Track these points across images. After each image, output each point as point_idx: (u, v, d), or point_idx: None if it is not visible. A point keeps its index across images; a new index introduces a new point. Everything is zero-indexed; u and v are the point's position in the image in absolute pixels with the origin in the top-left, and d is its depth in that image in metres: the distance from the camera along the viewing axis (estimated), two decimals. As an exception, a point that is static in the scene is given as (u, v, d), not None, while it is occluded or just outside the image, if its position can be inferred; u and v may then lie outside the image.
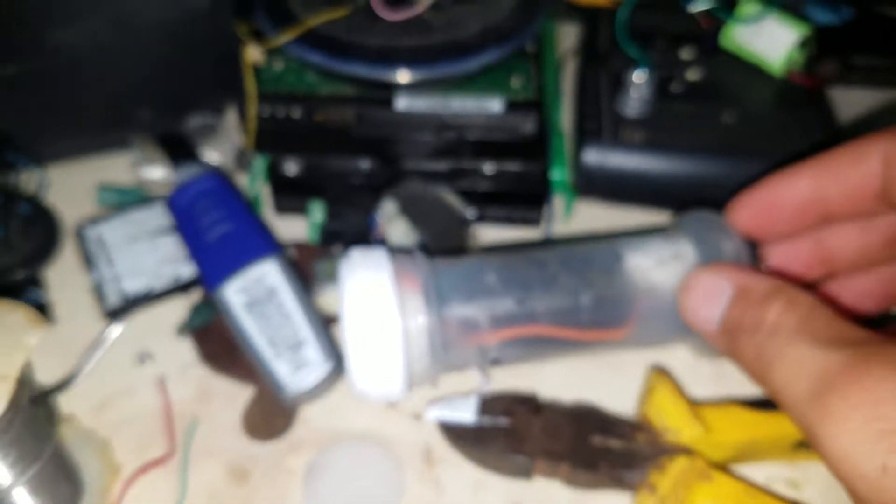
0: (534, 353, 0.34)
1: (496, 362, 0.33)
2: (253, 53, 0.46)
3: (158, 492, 0.38)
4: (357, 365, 0.31)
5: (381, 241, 0.46)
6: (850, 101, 0.56)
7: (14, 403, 0.31)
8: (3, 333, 0.32)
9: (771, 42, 0.51)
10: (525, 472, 0.36)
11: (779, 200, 0.31)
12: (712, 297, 0.28)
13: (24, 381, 0.32)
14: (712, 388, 0.41)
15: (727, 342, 0.27)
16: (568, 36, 0.60)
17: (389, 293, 0.31)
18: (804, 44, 0.50)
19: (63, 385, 0.41)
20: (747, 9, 0.51)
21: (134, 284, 0.45)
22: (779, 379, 0.24)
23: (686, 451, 0.35)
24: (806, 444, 0.36)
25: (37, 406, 0.35)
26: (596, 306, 0.31)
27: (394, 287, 0.31)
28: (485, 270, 0.33)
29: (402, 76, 0.44)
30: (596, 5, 0.59)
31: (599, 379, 0.40)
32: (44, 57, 0.47)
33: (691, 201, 0.50)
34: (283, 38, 0.44)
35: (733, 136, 0.48)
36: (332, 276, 0.45)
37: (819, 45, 0.53)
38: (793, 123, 0.49)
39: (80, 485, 0.37)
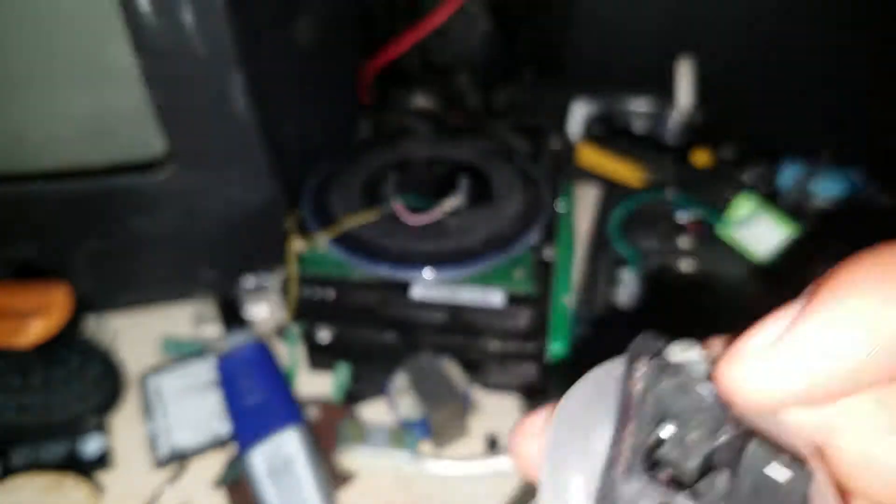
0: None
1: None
2: (297, 244, 0.54)
3: None
4: None
5: (394, 410, 0.53)
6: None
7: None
8: (68, 505, 0.41)
9: (760, 238, 0.56)
10: None
11: None
12: None
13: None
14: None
15: None
16: (590, 199, 0.66)
17: None
18: (793, 240, 0.55)
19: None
20: (740, 207, 0.56)
21: (182, 438, 0.53)
22: None
23: None
24: None
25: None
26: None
27: None
28: None
29: (417, 277, 0.52)
30: (611, 180, 0.65)
31: None
32: (126, 236, 0.57)
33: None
34: (321, 238, 0.52)
35: (709, 321, 0.53)
36: (354, 437, 0.52)
37: (813, 235, 0.58)
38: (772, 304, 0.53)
39: None
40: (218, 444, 0.53)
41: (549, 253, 0.55)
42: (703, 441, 0.18)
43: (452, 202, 0.54)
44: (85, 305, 0.58)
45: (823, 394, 0.18)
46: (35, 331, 0.50)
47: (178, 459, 0.52)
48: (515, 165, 0.60)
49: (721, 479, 0.18)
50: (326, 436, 0.53)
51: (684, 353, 0.19)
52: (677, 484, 0.18)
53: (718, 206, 0.58)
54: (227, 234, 0.57)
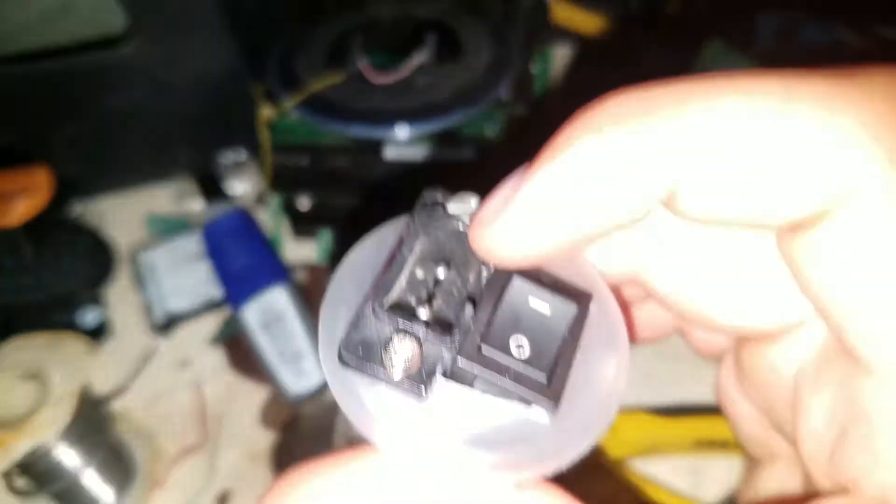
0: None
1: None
2: (266, 113, 0.55)
3: (195, 472, 0.49)
4: None
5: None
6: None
7: (77, 413, 0.42)
8: (66, 360, 0.43)
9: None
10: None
11: None
12: None
13: (84, 396, 0.43)
14: (632, 397, 0.49)
15: None
16: (560, 58, 0.67)
17: None
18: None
19: (118, 392, 0.52)
20: (709, 53, 0.58)
21: (177, 303, 0.56)
22: None
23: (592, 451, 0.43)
24: (704, 443, 0.45)
25: (97, 410, 0.46)
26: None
27: None
28: None
29: (389, 137, 0.53)
30: (581, 34, 0.66)
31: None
32: (100, 116, 0.58)
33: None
34: (289, 103, 0.54)
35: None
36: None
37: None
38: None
39: (133, 468, 0.48)
40: (211, 307, 0.56)
41: (520, 109, 0.56)
42: (472, 282, 0.20)
43: (419, 58, 0.55)
44: (68, 190, 0.59)
45: (560, 246, 0.19)
46: (20, 210, 0.52)
47: (174, 323, 0.55)
48: (484, 21, 0.60)
49: (469, 310, 0.20)
50: (317, 296, 0.55)
51: (462, 205, 0.21)
52: (439, 320, 0.20)
53: (689, 54, 0.59)
54: (198, 108, 0.58)
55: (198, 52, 0.53)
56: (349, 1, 0.61)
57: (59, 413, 0.40)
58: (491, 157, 0.54)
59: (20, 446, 0.40)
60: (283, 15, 0.61)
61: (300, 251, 0.59)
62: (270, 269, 0.53)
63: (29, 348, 0.44)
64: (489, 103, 0.55)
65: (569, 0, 0.68)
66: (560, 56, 0.68)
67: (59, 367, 0.42)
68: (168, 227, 0.61)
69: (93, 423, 0.45)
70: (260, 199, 0.59)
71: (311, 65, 0.56)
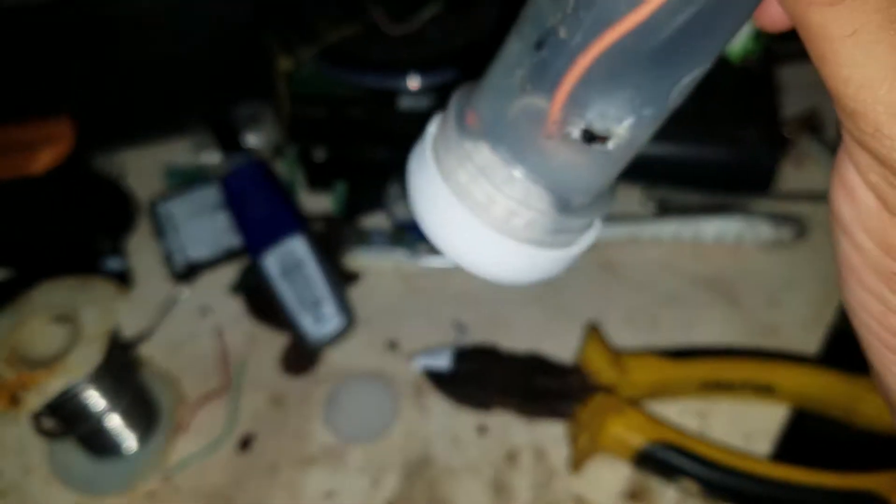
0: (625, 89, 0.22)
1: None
2: (283, 64, 0.56)
3: (217, 415, 0.50)
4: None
5: (391, 217, 0.57)
6: (810, 78, 0.62)
7: (106, 355, 0.43)
8: (96, 302, 0.45)
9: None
10: (486, 406, 0.47)
11: None
12: None
13: (113, 338, 0.44)
14: (641, 340, 0.50)
15: None
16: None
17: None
18: (759, 33, 0.57)
19: (142, 338, 0.54)
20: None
21: (196, 252, 0.57)
22: None
23: (607, 389, 0.45)
24: (710, 385, 0.46)
25: (125, 354, 0.47)
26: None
27: None
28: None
29: (403, 88, 0.54)
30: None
31: (548, 333, 0.51)
32: (116, 68, 0.58)
33: (653, 177, 0.59)
34: (307, 54, 0.54)
35: (688, 120, 0.56)
36: (357, 241, 0.56)
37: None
38: (742, 107, 0.56)
39: (157, 411, 0.50)
40: (230, 255, 0.57)
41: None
42: None
43: (431, 10, 0.55)
44: (89, 142, 0.60)
45: None
46: (45, 158, 0.53)
47: (194, 271, 0.57)
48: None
49: None
50: (332, 244, 0.57)
51: None
52: None
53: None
54: (214, 60, 0.58)
55: (214, 2, 0.54)
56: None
57: (91, 353, 0.42)
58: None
59: (54, 385, 0.41)
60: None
61: (315, 203, 0.60)
62: (289, 218, 0.54)
63: (59, 291, 0.45)
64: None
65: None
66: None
67: (90, 309, 0.44)
68: (186, 179, 0.62)
69: (121, 366, 0.46)
70: (277, 151, 0.60)
71: (326, 15, 0.57)
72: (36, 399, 0.41)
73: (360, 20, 0.55)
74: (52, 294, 0.45)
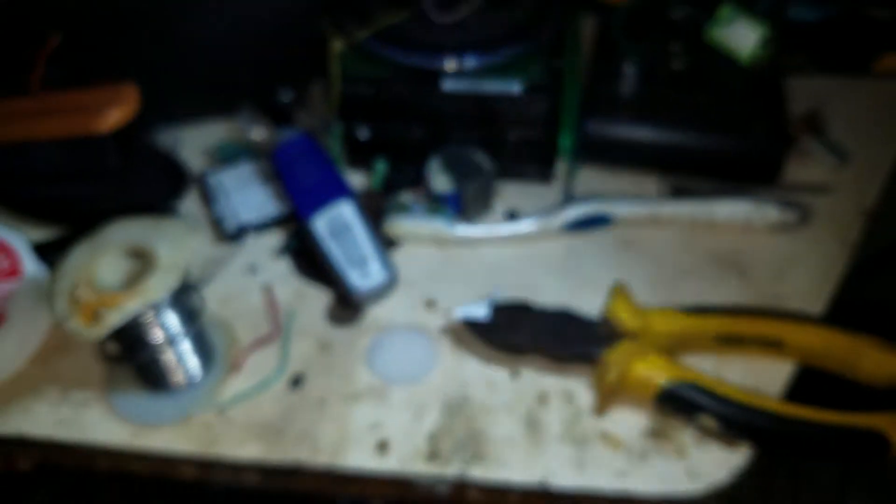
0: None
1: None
2: (337, 45, 0.61)
3: (268, 359, 0.54)
4: None
5: (429, 190, 0.61)
6: (813, 87, 0.68)
7: (180, 284, 0.47)
8: (170, 237, 0.49)
9: (740, 39, 0.64)
10: (519, 351, 0.51)
11: None
12: None
13: (187, 269, 0.48)
14: (663, 298, 0.55)
15: None
16: (589, 27, 0.73)
17: None
18: (767, 41, 0.63)
19: (205, 279, 0.58)
20: (722, 13, 0.64)
21: (246, 215, 0.62)
22: None
23: (631, 337, 0.49)
24: (724, 338, 0.51)
25: (191, 291, 0.51)
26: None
27: None
28: None
29: (448, 66, 0.59)
30: (609, 3, 0.72)
31: (574, 297, 0.55)
32: (178, 46, 0.63)
33: (669, 165, 0.64)
34: (360, 34, 0.60)
35: (704, 113, 0.62)
36: (398, 210, 0.61)
37: (789, 41, 0.66)
38: (752, 105, 0.62)
39: (213, 352, 0.54)
40: (277, 222, 0.62)
41: (557, 63, 0.63)
42: None
43: (472, 2, 0.61)
44: (148, 114, 0.65)
45: None
46: (113, 117, 0.58)
47: (244, 232, 0.61)
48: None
49: None
50: (374, 213, 0.61)
51: None
52: None
53: (706, 14, 0.65)
54: (270, 40, 0.63)
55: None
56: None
57: (167, 280, 0.46)
58: (535, 94, 0.60)
59: (132, 305, 0.45)
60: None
61: (355, 180, 0.65)
62: (337, 184, 0.59)
63: (134, 226, 0.49)
64: (532, 46, 0.61)
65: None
66: (589, 24, 0.74)
67: (165, 242, 0.48)
68: (235, 154, 0.67)
69: (188, 299, 0.50)
70: (324, 127, 0.65)
71: (379, 2, 0.62)
72: (115, 316, 0.44)
73: (410, 8, 0.61)
74: (127, 229, 0.49)
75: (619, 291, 0.52)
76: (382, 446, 0.49)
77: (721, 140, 0.61)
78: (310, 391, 0.52)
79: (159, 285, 0.46)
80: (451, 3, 0.61)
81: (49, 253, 0.56)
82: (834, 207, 0.61)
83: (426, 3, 0.61)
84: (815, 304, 0.56)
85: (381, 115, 0.63)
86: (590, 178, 0.64)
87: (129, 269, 0.48)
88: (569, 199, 0.62)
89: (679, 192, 0.62)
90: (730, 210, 0.59)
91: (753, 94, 0.64)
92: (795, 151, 0.64)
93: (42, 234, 0.61)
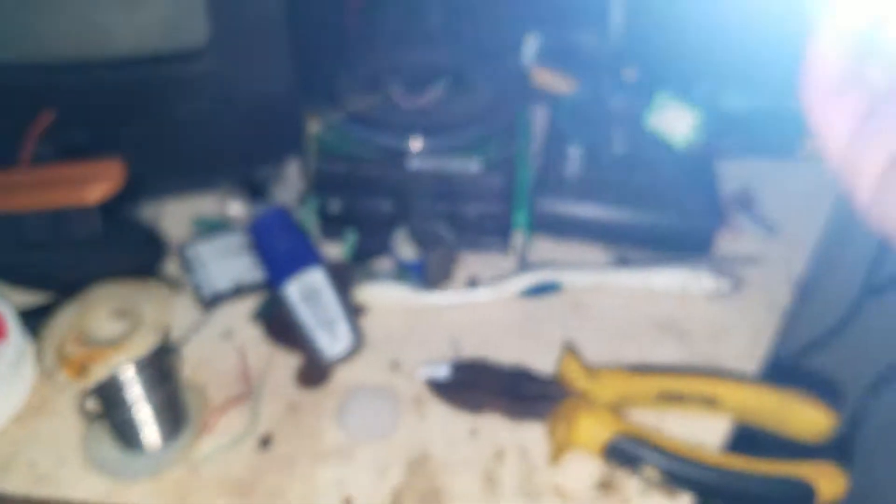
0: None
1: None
2: (313, 126, 0.66)
3: (239, 420, 0.57)
4: None
5: (396, 258, 0.66)
6: (744, 169, 0.76)
7: (162, 343, 0.50)
8: (154, 298, 0.52)
9: (675, 125, 0.71)
10: (478, 408, 0.55)
11: None
12: None
13: (166, 332, 0.52)
14: (609, 358, 0.60)
15: None
16: (540, 115, 0.80)
17: None
18: (699, 126, 0.70)
19: (181, 343, 0.61)
20: (657, 101, 0.71)
21: (223, 284, 0.65)
22: None
23: (581, 395, 0.54)
24: (666, 397, 0.55)
25: (169, 353, 0.54)
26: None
27: None
28: None
29: (414, 146, 0.65)
30: (557, 93, 0.79)
31: (530, 356, 0.60)
32: (163, 125, 0.68)
33: (613, 238, 0.70)
34: (335, 117, 0.65)
35: (643, 192, 0.68)
36: (366, 278, 0.65)
37: (722, 126, 0.74)
38: (686, 184, 0.69)
39: (186, 411, 0.57)
40: (252, 289, 0.66)
41: (512, 139, 0.69)
42: None
43: (437, 90, 0.67)
44: (131, 188, 0.69)
45: None
46: (99, 189, 0.62)
47: (219, 300, 0.65)
48: (489, 66, 0.73)
49: None
50: (343, 281, 0.65)
51: None
52: None
53: (643, 102, 0.72)
54: (253, 121, 0.69)
55: (262, 72, 0.65)
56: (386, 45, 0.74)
57: (151, 338, 0.49)
58: (493, 173, 0.66)
59: (118, 360, 0.48)
60: (333, 43, 0.73)
61: (328, 248, 0.69)
62: (309, 253, 0.63)
63: (119, 289, 0.53)
64: (490, 130, 0.67)
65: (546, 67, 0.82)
66: (539, 112, 0.81)
67: (149, 302, 0.51)
68: (212, 227, 0.71)
69: (167, 360, 0.54)
70: (299, 202, 0.70)
71: (353, 88, 0.68)
72: (102, 370, 0.48)
73: (381, 93, 0.67)
74: (112, 290, 0.53)
75: (569, 353, 0.56)
76: (347, 503, 0.52)
77: (659, 216, 0.67)
78: (278, 450, 0.55)
79: (143, 342, 0.49)
80: (418, 90, 0.67)
81: (33, 318, 0.59)
82: (764, 277, 0.67)
83: (395, 90, 0.67)
84: (749, 364, 0.61)
85: (352, 190, 0.68)
86: (543, 248, 0.70)
87: (114, 328, 0.51)
88: (524, 267, 0.67)
89: (623, 262, 0.67)
90: (668, 279, 0.65)
91: (688, 174, 0.70)
92: (727, 226, 0.70)
93: (26, 299, 0.64)
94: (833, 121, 0.27)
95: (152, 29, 0.63)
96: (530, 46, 0.86)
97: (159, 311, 0.51)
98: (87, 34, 0.62)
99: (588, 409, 0.52)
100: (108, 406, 0.53)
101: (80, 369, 0.47)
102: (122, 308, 0.51)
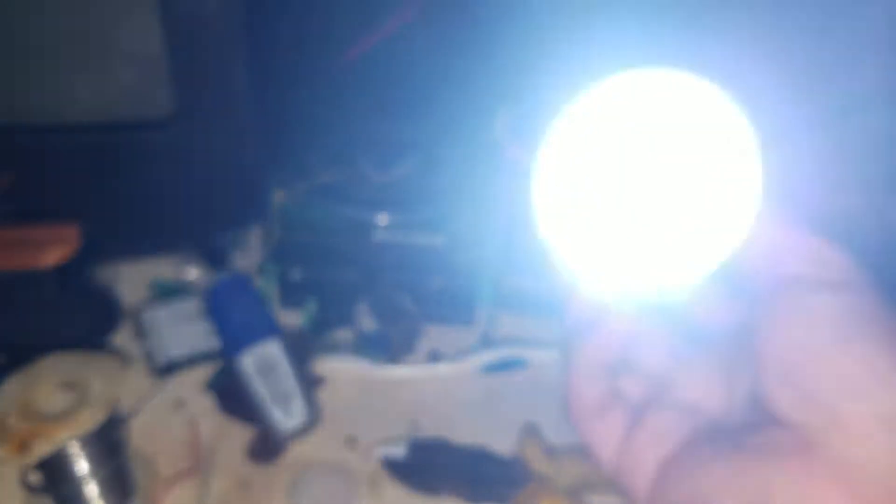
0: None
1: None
2: (279, 195, 0.66)
3: (188, 495, 0.55)
4: None
5: (356, 330, 0.65)
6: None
7: (109, 419, 0.49)
8: (103, 372, 0.51)
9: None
10: (437, 491, 0.54)
11: None
12: None
13: (115, 406, 0.50)
14: (572, 438, 0.59)
15: None
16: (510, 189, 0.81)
17: None
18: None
19: (132, 412, 0.59)
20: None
21: (176, 352, 0.64)
22: None
23: (542, 478, 0.52)
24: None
25: (117, 427, 0.52)
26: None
27: None
28: None
29: (380, 219, 0.65)
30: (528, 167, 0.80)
31: (490, 435, 0.59)
32: (121, 190, 0.67)
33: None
34: (301, 188, 0.65)
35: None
36: (324, 350, 0.64)
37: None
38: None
39: (133, 487, 0.54)
40: (208, 358, 0.64)
41: (479, 215, 0.69)
42: None
43: (405, 165, 0.68)
44: (87, 251, 0.67)
45: None
46: (54, 253, 0.60)
47: (173, 368, 0.63)
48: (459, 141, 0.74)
49: None
50: (301, 352, 0.64)
51: None
52: None
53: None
54: (216, 190, 0.68)
55: (227, 143, 0.64)
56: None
57: (98, 413, 0.47)
58: (458, 248, 0.65)
59: (61, 436, 0.46)
60: (301, 116, 0.73)
61: (286, 318, 0.68)
62: (267, 324, 0.62)
63: (68, 361, 0.51)
64: (456, 206, 0.67)
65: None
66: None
67: (98, 376, 0.49)
68: (169, 292, 0.69)
69: (115, 435, 0.51)
70: (258, 270, 0.69)
71: (319, 160, 0.68)
72: (44, 447, 0.46)
73: (349, 166, 0.67)
74: (60, 363, 0.51)
75: (530, 435, 0.55)
76: (297, 586, 0.50)
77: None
78: (228, 529, 0.53)
79: (91, 418, 0.47)
80: (386, 165, 0.67)
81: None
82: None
83: (363, 164, 0.67)
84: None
85: (315, 260, 0.67)
86: (510, 323, 0.69)
87: (61, 401, 0.49)
88: (487, 343, 0.66)
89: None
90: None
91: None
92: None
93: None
94: (601, 438, 0.29)
95: (116, 97, 0.62)
96: (502, 120, 0.87)
97: (109, 384, 0.50)
98: (49, 99, 0.61)
99: (548, 494, 0.51)
100: (53, 481, 0.50)
101: (21, 446, 0.45)
102: (71, 380, 0.50)
